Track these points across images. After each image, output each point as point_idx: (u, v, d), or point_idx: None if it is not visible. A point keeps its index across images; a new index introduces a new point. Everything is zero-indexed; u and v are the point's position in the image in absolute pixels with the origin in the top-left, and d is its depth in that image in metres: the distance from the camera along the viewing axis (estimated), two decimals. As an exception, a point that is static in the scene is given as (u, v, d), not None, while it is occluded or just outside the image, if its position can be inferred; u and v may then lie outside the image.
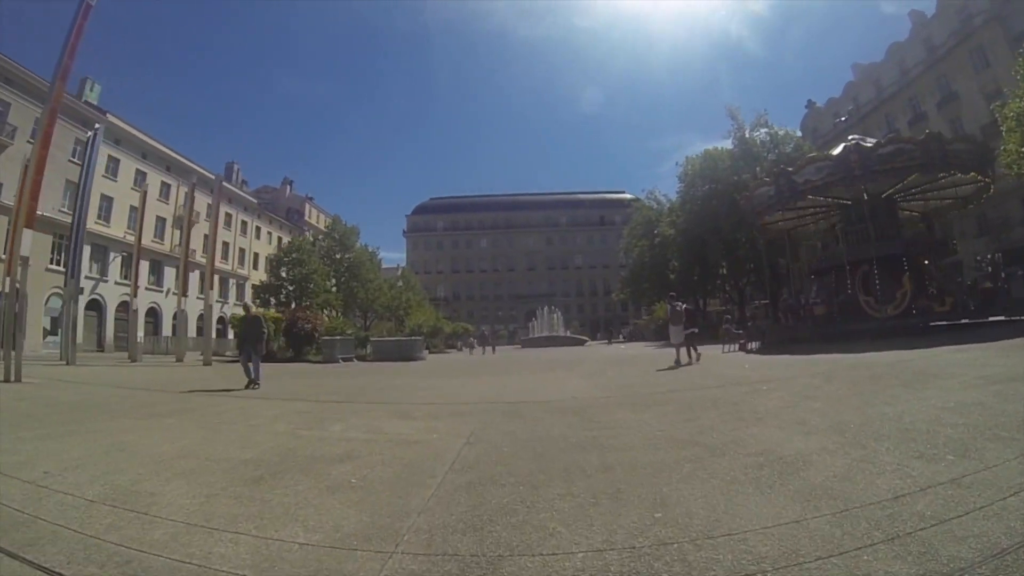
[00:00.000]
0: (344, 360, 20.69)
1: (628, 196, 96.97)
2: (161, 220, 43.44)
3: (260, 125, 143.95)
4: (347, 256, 45.86)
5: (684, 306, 15.00)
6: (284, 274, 41.12)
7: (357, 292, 44.53)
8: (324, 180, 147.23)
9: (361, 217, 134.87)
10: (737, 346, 18.29)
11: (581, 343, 44.12)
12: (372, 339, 23.35)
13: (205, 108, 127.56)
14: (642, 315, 79.50)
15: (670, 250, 49.73)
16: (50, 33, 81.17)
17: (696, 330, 14.25)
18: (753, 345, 18.23)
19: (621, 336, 44.94)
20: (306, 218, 67.50)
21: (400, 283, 53.20)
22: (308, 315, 23.81)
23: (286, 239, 54.69)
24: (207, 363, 18.87)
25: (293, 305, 34.88)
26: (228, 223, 50.94)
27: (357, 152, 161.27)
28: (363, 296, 44.74)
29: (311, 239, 51.85)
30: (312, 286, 40.12)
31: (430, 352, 31.65)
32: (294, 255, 41.65)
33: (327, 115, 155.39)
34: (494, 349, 42.55)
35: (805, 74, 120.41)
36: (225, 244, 49.61)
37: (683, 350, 13.36)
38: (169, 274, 42.91)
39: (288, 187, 69.88)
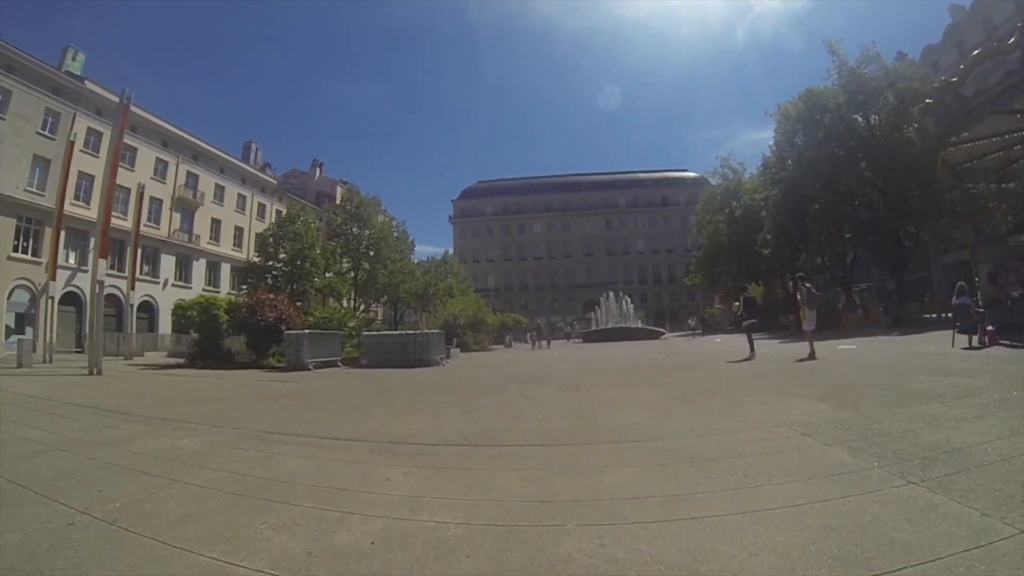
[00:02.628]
0: (316, 367, 15.02)
1: (692, 174, 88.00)
2: (157, 201, 38.41)
3: (302, 126, 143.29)
4: (366, 232, 39.41)
5: (810, 288, 12.54)
6: (274, 252, 34.31)
7: (378, 275, 38.49)
8: (371, 177, 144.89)
9: (407, 212, 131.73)
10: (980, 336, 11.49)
11: (656, 336, 36.85)
12: (365, 335, 17.35)
13: (246, 111, 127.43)
14: (714, 303, 71.21)
15: (757, 221, 41.88)
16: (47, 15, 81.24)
17: (755, 321, 13.53)
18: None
19: (690, 325, 37.19)
20: (338, 202, 63.09)
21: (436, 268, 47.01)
22: (274, 300, 18.29)
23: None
24: (93, 371, 13.59)
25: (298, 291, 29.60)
26: (242, 205, 46.90)
27: (401, 148, 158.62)
28: (385, 280, 38.54)
29: (317, 210, 46.69)
30: (309, 265, 33.30)
31: (464, 350, 25.82)
32: (289, 227, 34.90)
33: (373, 117, 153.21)
34: (548, 343, 36.37)
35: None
36: (239, 229, 45.52)
37: (815, 343, 11.19)
38: (167, 263, 38.71)
39: (318, 170, 65.28)
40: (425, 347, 15.85)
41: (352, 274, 38.41)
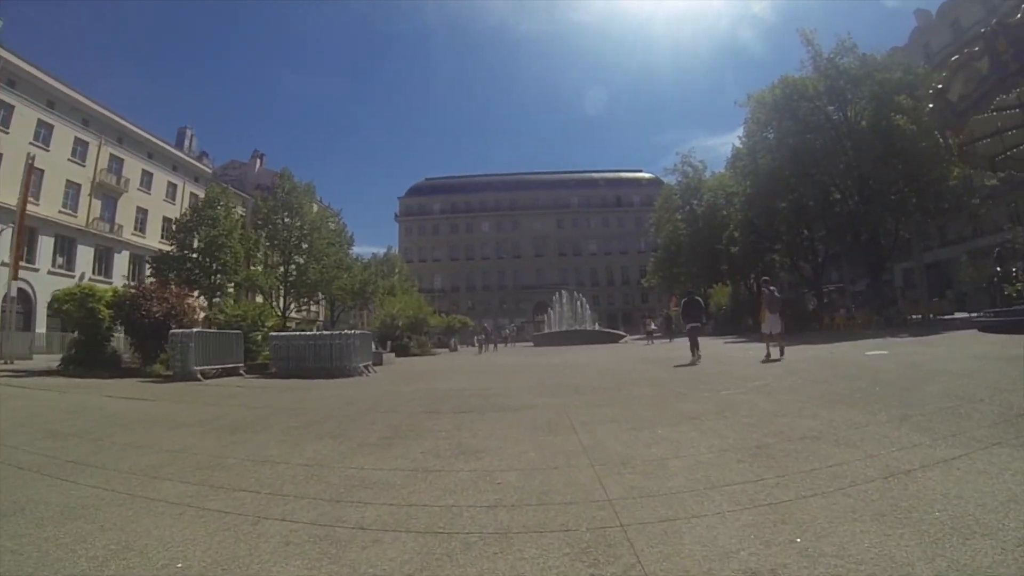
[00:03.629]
0: (216, 375, 11.47)
1: (647, 175, 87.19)
2: (73, 186, 34.04)
3: (249, 118, 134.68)
4: (297, 222, 34.51)
5: (773, 291, 12.98)
6: (189, 240, 29.38)
7: (309, 270, 34.01)
8: (316, 171, 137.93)
9: (354, 211, 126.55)
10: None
11: (615, 339, 34.14)
12: (273, 336, 13.62)
13: (189, 100, 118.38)
14: (670, 305, 69.93)
15: (720, 219, 40.31)
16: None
17: (698, 324, 13.21)
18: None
19: (650, 327, 33.91)
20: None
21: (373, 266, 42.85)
22: (164, 292, 14.48)
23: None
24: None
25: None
26: (172, 194, 41.85)
27: (350, 145, 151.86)
28: (317, 275, 34.04)
29: (241, 196, 42.02)
30: (226, 257, 28.40)
31: (402, 354, 22.38)
32: (207, 212, 29.98)
33: (324, 112, 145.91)
34: (495, 346, 33.31)
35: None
36: (168, 220, 40.41)
37: (774, 345, 11.54)
38: (84, 254, 33.78)
39: (258, 161, 60.30)
40: (344, 352, 12.39)
41: (282, 269, 34.03)
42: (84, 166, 34.85)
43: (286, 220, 33.92)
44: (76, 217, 33.99)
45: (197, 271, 27.31)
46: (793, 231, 33.04)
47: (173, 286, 17.07)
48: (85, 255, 33.89)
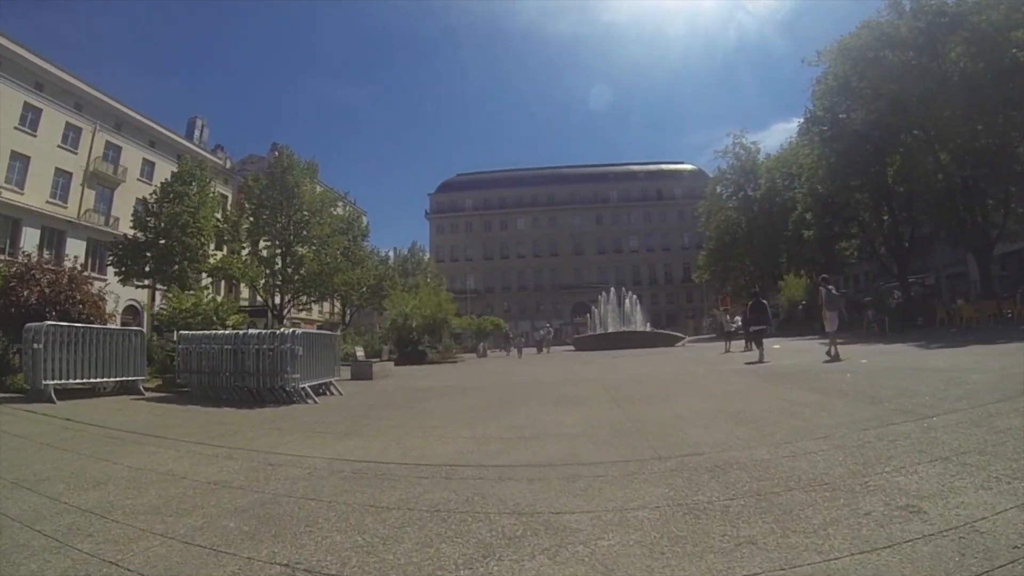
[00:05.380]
0: (111, 392, 7.38)
1: (688, 167, 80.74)
2: (64, 175, 31.11)
3: (273, 122, 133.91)
4: (296, 206, 29.14)
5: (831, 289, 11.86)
6: (156, 224, 23.74)
7: (305, 260, 29.07)
8: (342, 171, 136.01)
9: (386, 212, 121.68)
10: None
11: (672, 342, 28.46)
12: (181, 336, 9.02)
13: (214, 106, 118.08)
14: (719, 305, 63.43)
15: (783, 204, 34.62)
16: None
17: (764, 327, 12.92)
18: None
19: (734, 326, 26.13)
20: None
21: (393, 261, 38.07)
22: (41, 272, 10.24)
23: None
24: None
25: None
26: None
27: (377, 145, 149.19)
28: (314, 267, 29.00)
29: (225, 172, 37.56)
30: (191, 240, 22.92)
31: (418, 361, 17.72)
32: (178, 188, 24.31)
33: (349, 114, 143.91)
34: (520, 352, 28.27)
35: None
36: None
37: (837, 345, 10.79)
38: (75, 247, 30.51)
39: (276, 154, 56.87)
40: (280, 365, 7.73)
41: (279, 260, 29.65)
42: (76, 153, 31.86)
43: (281, 202, 29.30)
44: (66, 208, 30.95)
45: (161, 259, 22.76)
46: (876, 210, 27.35)
47: (69, 263, 12.89)
48: (76, 248, 30.35)
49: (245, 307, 26.49)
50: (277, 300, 29.49)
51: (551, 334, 33.94)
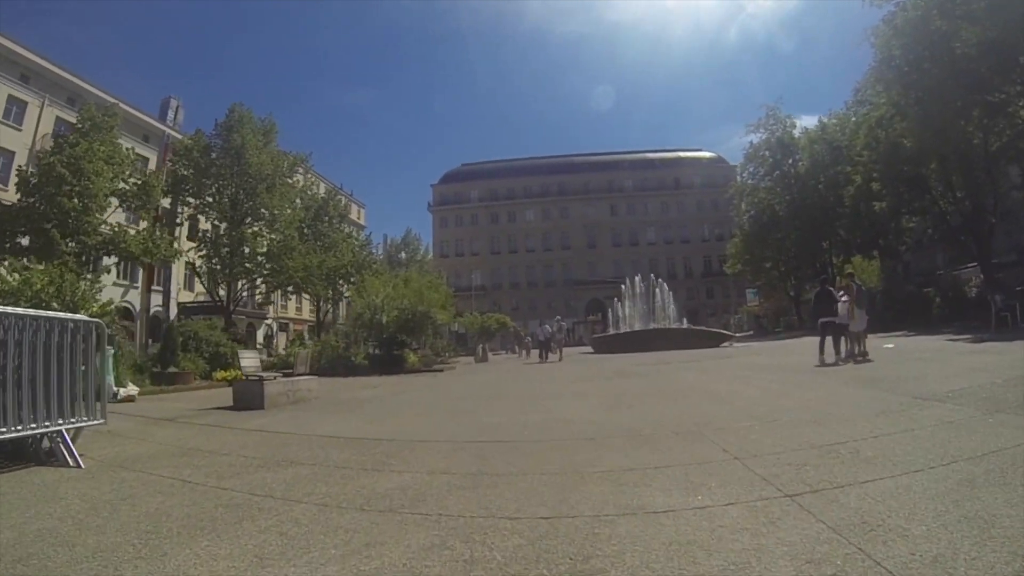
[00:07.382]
0: None
1: (708, 154, 75.58)
2: (5, 154, 27.35)
3: (281, 126, 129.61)
4: (242, 169, 23.73)
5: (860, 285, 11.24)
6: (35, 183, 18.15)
7: (252, 240, 24.00)
8: (343, 168, 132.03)
9: (383, 207, 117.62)
10: None
11: (716, 342, 23.27)
12: None
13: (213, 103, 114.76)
14: (747, 300, 58.37)
15: (835, 175, 29.85)
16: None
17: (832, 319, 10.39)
18: None
19: (842, 317, 20.48)
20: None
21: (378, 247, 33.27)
22: None
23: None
24: None
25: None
26: (144, 170, 34.59)
27: (382, 142, 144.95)
28: (260, 246, 24.14)
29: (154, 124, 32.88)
30: (69, 201, 17.19)
31: (396, 370, 13.32)
32: (72, 140, 18.69)
33: (352, 112, 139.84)
34: (559, 354, 23.21)
35: None
36: None
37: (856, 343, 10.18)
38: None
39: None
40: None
41: (223, 237, 24.75)
42: (21, 130, 28.05)
43: (230, 168, 23.96)
44: (7, 191, 27.02)
45: (37, 230, 17.32)
46: (962, 173, 22.70)
47: None
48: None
49: (192, 303, 22.54)
50: (223, 292, 24.76)
51: (563, 331, 28.68)
